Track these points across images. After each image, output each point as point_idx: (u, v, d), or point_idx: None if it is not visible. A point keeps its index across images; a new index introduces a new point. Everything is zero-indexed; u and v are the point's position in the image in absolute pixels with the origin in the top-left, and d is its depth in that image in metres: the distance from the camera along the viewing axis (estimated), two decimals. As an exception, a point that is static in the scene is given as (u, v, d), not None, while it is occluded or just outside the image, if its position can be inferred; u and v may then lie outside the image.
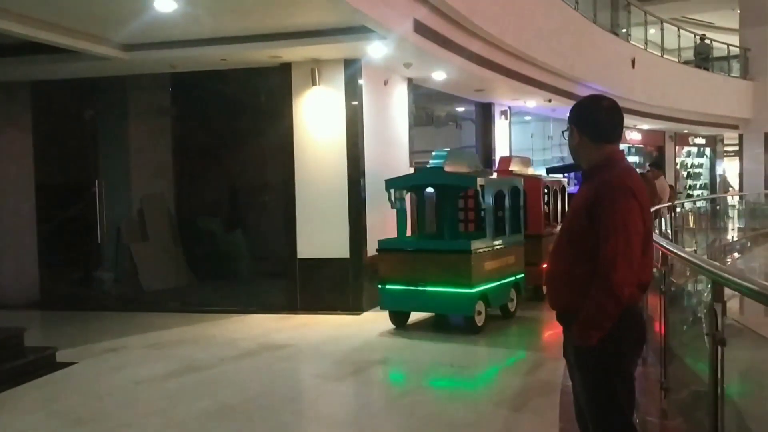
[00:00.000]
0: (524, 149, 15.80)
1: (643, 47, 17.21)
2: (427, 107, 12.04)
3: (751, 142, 21.60)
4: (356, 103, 8.57)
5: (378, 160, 9.10)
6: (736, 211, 20.26)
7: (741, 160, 21.97)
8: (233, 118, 11.00)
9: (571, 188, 10.77)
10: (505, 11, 9.89)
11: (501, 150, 13.56)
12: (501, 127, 13.57)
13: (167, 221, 10.76)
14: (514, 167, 9.43)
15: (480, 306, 7.39)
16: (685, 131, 21.49)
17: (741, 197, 20.34)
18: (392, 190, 7.95)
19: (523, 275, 8.36)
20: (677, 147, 22.43)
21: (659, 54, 18.22)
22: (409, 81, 10.05)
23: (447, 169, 7.66)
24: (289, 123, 8.73)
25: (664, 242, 3.84)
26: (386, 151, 9.48)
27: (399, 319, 7.84)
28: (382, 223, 9.19)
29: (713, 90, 19.64)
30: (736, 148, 22.51)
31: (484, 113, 13.18)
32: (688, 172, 23.36)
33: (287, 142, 8.75)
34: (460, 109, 13.24)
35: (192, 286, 10.49)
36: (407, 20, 7.51)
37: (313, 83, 8.54)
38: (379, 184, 8.93)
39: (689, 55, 20.59)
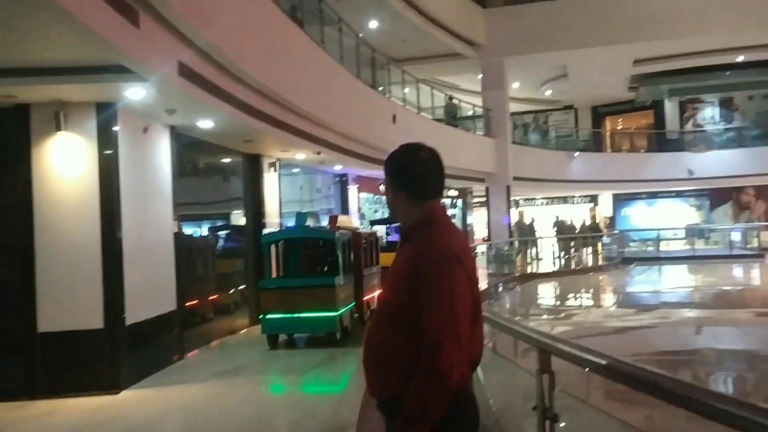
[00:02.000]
0: (293, 201, 15.57)
1: (402, 104, 18.04)
2: (192, 157, 11.23)
3: (496, 194, 23.63)
4: (111, 152, 7.59)
5: (137, 215, 8.14)
6: (485, 258, 21.92)
7: (488, 210, 23.91)
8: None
9: (391, 237, 14.09)
10: (276, 61, 9.59)
11: (270, 202, 13.13)
12: (270, 180, 13.16)
13: None
14: (341, 223, 11.41)
15: (339, 326, 9.76)
16: (440, 184, 22.91)
17: (490, 245, 22.05)
18: (265, 243, 10.54)
19: (354, 303, 10.89)
20: (432, 199, 23.78)
21: (416, 111, 19.25)
22: (173, 129, 9.24)
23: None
24: (26, 174, 7.42)
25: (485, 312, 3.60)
26: (147, 205, 8.53)
27: (274, 341, 10.01)
28: (146, 284, 8.21)
29: (463, 146, 21.17)
30: (484, 199, 24.49)
31: (253, 165, 12.68)
32: (444, 223, 24.84)
33: (24, 197, 7.42)
34: (227, 160, 12.59)
35: None
36: (171, 62, 6.82)
37: (58, 129, 7.39)
38: (140, 241, 8.04)
39: (441, 113, 22.09)
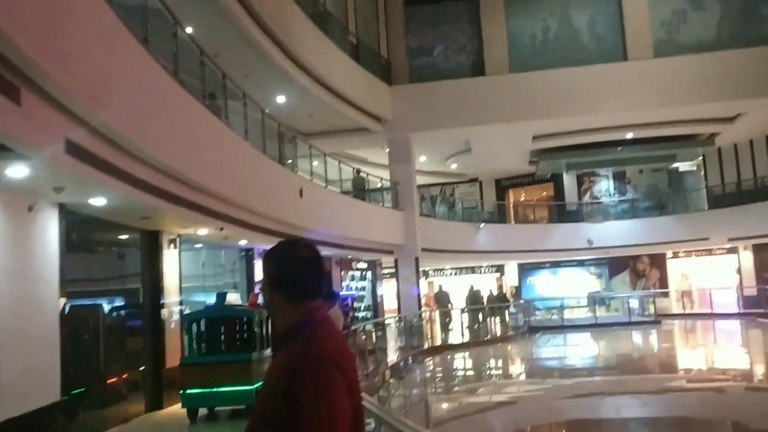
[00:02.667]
0: (195, 276, 15.03)
1: (309, 178, 17.99)
2: (85, 235, 10.69)
3: (405, 266, 23.70)
4: (-11, 232, 7.10)
5: (16, 299, 7.61)
6: (396, 330, 21.78)
7: (398, 281, 23.91)
8: None
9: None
10: (176, 137, 9.36)
11: (170, 279, 12.61)
12: (170, 256, 12.67)
13: None
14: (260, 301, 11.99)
15: (256, 398, 9.34)
16: (350, 257, 22.79)
17: (400, 318, 21.93)
18: (186, 321, 11.12)
19: None
20: (342, 272, 23.63)
21: (324, 185, 19.24)
22: (62, 207, 8.78)
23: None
24: None
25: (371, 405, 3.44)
26: (28, 288, 7.99)
27: (193, 414, 10.39)
28: (24, 373, 7.59)
29: (371, 218, 21.28)
30: (393, 270, 24.51)
31: (151, 242, 12.18)
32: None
33: None
34: (124, 236, 12.06)
35: None
36: (58, 140, 6.50)
37: (-71, 208, 6.89)
38: (18, 326, 7.50)
39: (349, 186, 22.18)
